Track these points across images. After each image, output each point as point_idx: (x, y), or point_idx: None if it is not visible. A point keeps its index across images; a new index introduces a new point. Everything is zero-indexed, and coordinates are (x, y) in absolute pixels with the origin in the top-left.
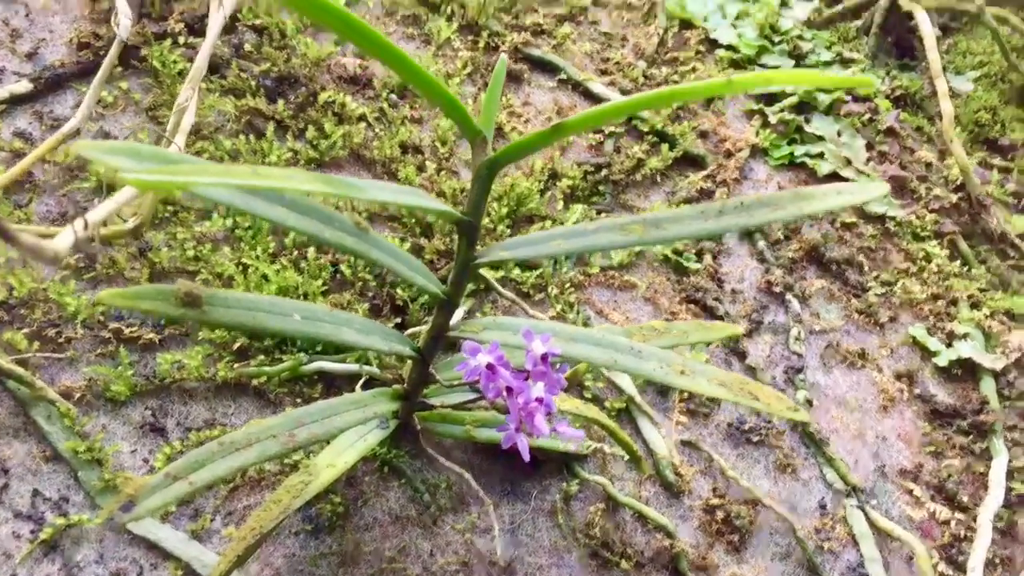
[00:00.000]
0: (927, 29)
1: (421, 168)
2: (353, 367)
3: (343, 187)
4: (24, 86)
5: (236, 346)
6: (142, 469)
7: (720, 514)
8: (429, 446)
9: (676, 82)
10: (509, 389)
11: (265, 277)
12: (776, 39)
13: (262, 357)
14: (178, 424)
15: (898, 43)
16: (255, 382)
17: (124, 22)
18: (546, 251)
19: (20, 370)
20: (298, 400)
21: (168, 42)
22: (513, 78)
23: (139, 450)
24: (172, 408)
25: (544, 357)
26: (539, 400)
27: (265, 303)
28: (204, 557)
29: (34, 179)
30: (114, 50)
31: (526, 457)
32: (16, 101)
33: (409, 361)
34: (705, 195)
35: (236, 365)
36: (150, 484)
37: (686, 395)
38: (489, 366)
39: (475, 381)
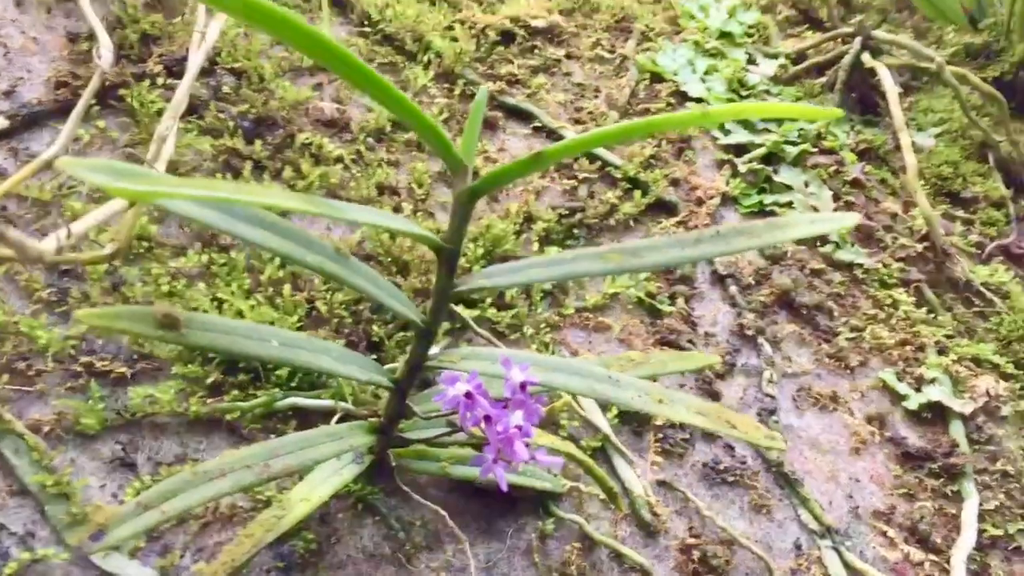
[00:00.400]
0: (889, 85)
1: (397, 209)
2: (328, 403)
3: (324, 207)
4: (0, 123)
5: (209, 381)
6: (111, 503)
7: (696, 554)
8: (404, 483)
9: None
10: (488, 418)
11: (240, 313)
12: (744, 93)
13: (236, 392)
14: (149, 459)
15: (862, 99)
16: (228, 417)
17: (106, 55)
18: (525, 278)
19: None
20: (271, 436)
21: (147, 83)
22: (489, 125)
23: (108, 485)
24: (143, 443)
25: (523, 385)
26: (518, 428)
27: (243, 328)
28: None
29: (7, 212)
30: (95, 80)
31: (503, 487)
32: None
33: (386, 394)
34: None
35: (209, 400)
36: (121, 513)
37: (660, 436)
38: (468, 394)
39: (452, 412)
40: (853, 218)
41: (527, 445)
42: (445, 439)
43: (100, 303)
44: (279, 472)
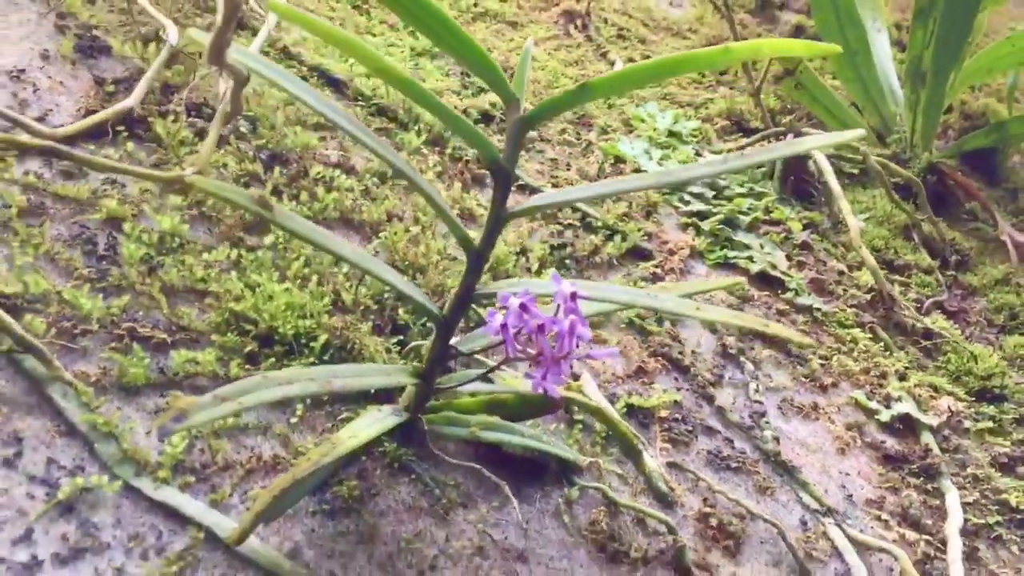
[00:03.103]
0: (825, 165)
1: (406, 231)
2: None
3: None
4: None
5: (246, 350)
6: (156, 449)
7: (713, 521)
8: (436, 448)
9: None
10: (541, 327)
11: (271, 297)
12: None
13: (272, 361)
14: None
15: (797, 187)
16: None
17: (172, 33)
18: (572, 197)
19: (41, 346)
20: (307, 402)
21: (170, 118)
22: (476, 181)
23: (153, 433)
24: None
25: (573, 295)
26: (571, 330)
27: (321, 229)
28: (224, 524)
29: (46, 209)
30: (164, 53)
31: (556, 396)
32: (27, 149)
33: (430, 338)
34: (657, 279)
35: (247, 367)
36: (199, 402)
37: (666, 427)
38: (522, 305)
39: (496, 344)
40: (857, 134)
41: (580, 344)
42: (481, 388)
43: (138, 283)
44: (338, 389)
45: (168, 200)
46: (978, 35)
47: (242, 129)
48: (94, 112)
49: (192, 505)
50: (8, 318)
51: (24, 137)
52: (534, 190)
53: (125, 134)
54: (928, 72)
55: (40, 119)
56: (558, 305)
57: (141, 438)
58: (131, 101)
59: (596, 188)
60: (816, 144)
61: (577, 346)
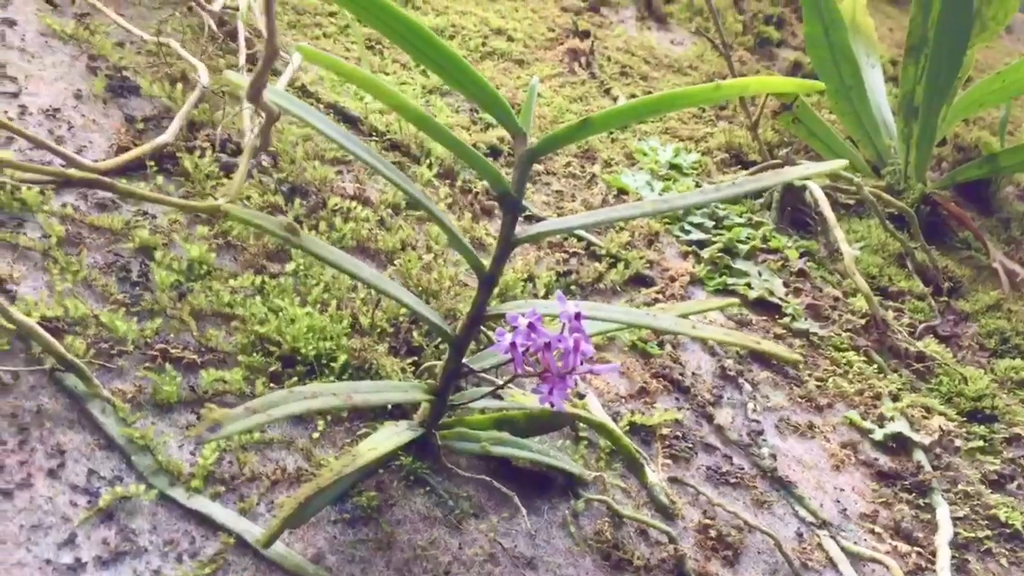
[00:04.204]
0: (820, 195)
1: (420, 259)
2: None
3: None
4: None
5: (271, 370)
6: (189, 461)
7: (713, 532)
8: (449, 463)
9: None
10: (547, 345)
11: (293, 320)
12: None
13: (294, 380)
14: None
15: (794, 217)
16: None
17: (204, 75)
18: (574, 224)
19: (81, 365)
20: (328, 418)
21: (197, 153)
22: (485, 212)
23: (186, 446)
24: None
25: (577, 315)
26: (577, 343)
27: (343, 253)
28: (252, 530)
29: (83, 238)
30: (196, 93)
31: (561, 408)
32: (64, 182)
33: (443, 357)
34: (658, 304)
35: (272, 385)
36: (232, 413)
37: (667, 444)
38: (530, 325)
39: (505, 362)
40: (841, 163)
41: (582, 361)
42: (490, 405)
43: (169, 307)
44: (359, 403)
45: (196, 230)
46: (968, 70)
47: (264, 163)
48: (126, 148)
49: (222, 513)
50: (52, 339)
51: (73, 171)
52: (540, 220)
53: (155, 168)
54: (920, 106)
55: (76, 153)
56: (563, 324)
57: (174, 451)
58: (167, 137)
59: (596, 216)
60: (801, 174)
61: (581, 363)
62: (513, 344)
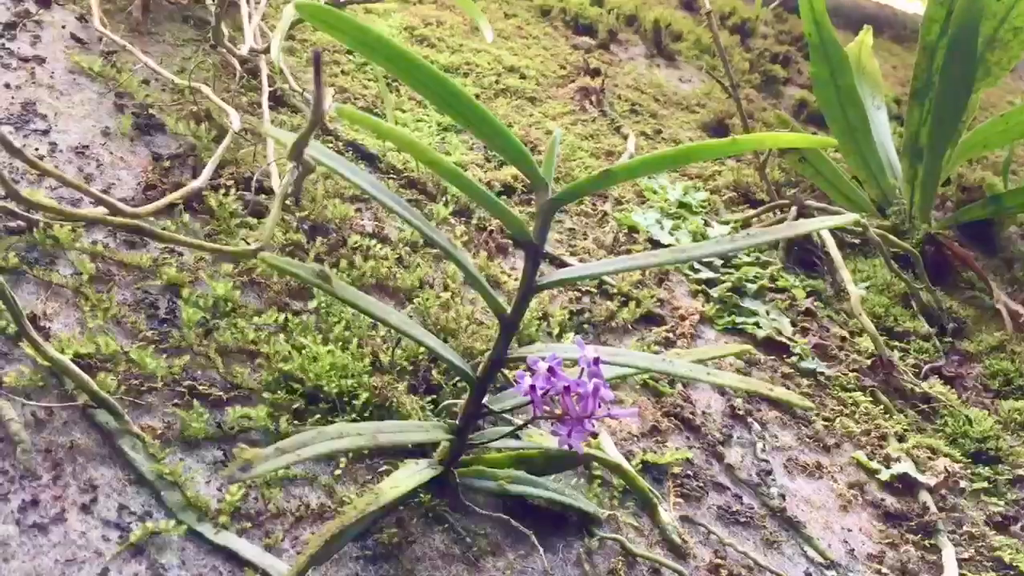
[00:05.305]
0: (826, 234)
1: (437, 297)
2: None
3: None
4: (100, 211)
5: (294, 407)
6: (216, 497)
7: (724, 572)
8: (467, 500)
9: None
10: (567, 388)
11: (315, 358)
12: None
13: (317, 417)
14: None
15: (802, 257)
16: None
17: (235, 120)
18: (596, 271)
19: (113, 401)
20: (349, 455)
21: (221, 191)
22: (500, 250)
23: (213, 482)
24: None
25: (596, 360)
26: (595, 392)
27: (370, 299)
28: (277, 566)
29: (112, 275)
30: (227, 139)
31: (580, 451)
32: (94, 221)
33: (464, 396)
34: (669, 343)
35: (295, 422)
36: (263, 453)
37: (679, 483)
38: (550, 369)
39: (524, 403)
40: (852, 218)
41: (600, 405)
42: (509, 444)
43: (196, 344)
44: (384, 443)
45: (221, 267)
46: (973, 113)
47: (287, 202)
48: (153, 186)
49: (249, 549)
50: (85, 376)
51: (118, 218)
52: (554, 258)
53: (181, 206)
54: (925, 148)
55: (104, 192)
56: (582, 368)
57: (202, 487)
58: (200, 182)
59: (616, 264)
60: (814, 227)
61: (599, 406)
62: (533, 387)
